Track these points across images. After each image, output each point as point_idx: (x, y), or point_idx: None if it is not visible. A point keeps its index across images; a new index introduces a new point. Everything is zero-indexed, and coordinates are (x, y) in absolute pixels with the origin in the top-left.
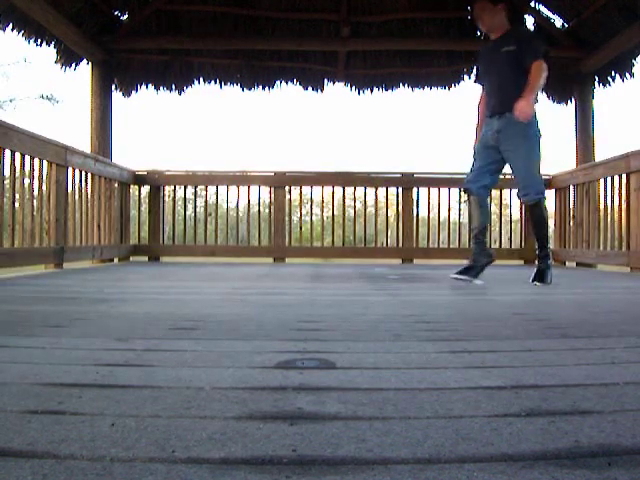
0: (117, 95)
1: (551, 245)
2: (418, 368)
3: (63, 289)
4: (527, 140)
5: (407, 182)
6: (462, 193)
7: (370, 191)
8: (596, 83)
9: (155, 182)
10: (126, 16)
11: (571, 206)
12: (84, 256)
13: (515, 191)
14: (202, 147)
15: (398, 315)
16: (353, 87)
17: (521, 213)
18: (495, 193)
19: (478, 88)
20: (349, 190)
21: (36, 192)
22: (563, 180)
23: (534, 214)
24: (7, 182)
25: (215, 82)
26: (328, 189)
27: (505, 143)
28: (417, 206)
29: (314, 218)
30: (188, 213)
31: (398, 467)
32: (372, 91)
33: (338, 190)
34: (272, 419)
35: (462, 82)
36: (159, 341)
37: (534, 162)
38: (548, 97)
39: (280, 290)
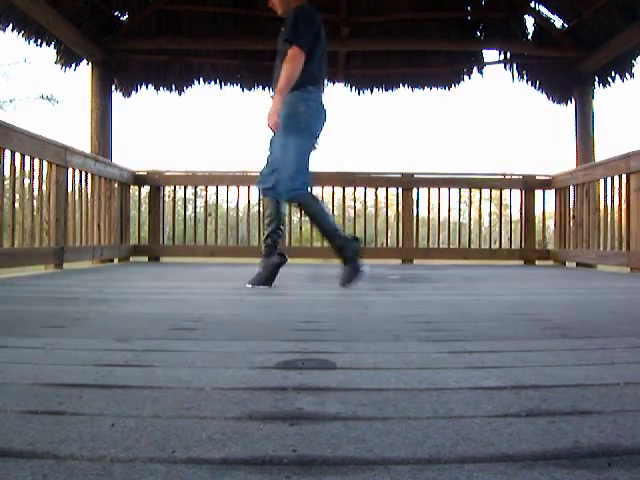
0: (117, 95)
1: (551, 245)
2: (418, 368)
3: (63, 289)
4: (284, 130)
5: (407, 182)
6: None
7: (370, 191)
8: (596, 83)
9: (155, 182)
10: (126, 16)
11: (571, 206)
12: (84, 256)
13: (515, 191)
14: (202, 147)
15: (398, 315)
16: (353, 87)
17: (521, 213)
18: (495, 193)
19: (478, 88)
20: (349, 190)
21: (36, 192)
22: (563, 180)
23: (303, 210)
24: (7, 182)
25: (215, 82)
26: (328, 189)
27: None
28: (417, 206)
29: None
30: (188, 213)
31: (398, 467)
32: (372, 91)
33: (338, 190)
34: (272, 419)
35: (462, 82)
36: (159, 341)
37: (297, 153)
38: (548, 97)
39: (280, 290)
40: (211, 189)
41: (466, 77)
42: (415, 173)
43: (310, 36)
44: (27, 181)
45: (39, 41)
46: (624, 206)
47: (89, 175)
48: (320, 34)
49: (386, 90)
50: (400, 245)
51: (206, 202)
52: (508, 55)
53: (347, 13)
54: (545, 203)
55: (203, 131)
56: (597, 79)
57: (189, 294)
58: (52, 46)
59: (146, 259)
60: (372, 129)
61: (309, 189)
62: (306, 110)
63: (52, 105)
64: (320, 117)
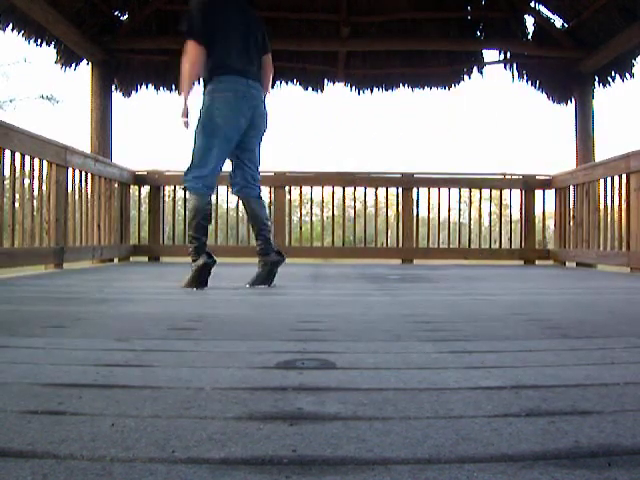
0: (117, 95)
1: (551, 245)
2: (418, 368)
3: (63, 289)
4: (197, 125)
5: (407, 182)
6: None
7: (370, 191)
8: (596, 83)
9: (155, 182)
10: (126, 16)
11: (571, 206)
12: (84, 256)
13: (515, 191)
14: None
15: (398, 315)
16: (353, 87)
17: (521, 213)
18: (495, 193)
19: (478, 88)
20: (349, 190)
21: (36, 192)
22: (563, 180)
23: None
24: (7, 182)
25: None
26: (328, 189)
27: None
28: (417, 206)
29: (314, 218)
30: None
31: (398, 467)
32: (372, 91)
33: (338, 190)
34: (272, 419)
35: (462, 82)
36: (159, 341)
37: (196, 147)
38: (548, 97)
39: (280, 290)
40: None
41: (466, 77)
42: (415, 173)
43: (199, 23)
44: (27, 181)
45: (39, 41)
46: (624, 206)
47: (89, 175)
48: (220, 17)
49: (386, 90)
50: (400, 245)
51: None
52: (508, 55)
53: (347, 13)
54: (545, 203)
55: None
56: (597, 79)
57: (189, 294)
58: (52, 46)
59: (146, 259)
60: (372, 129)
61: (206, 187)
62: (211, 104)
63: (52, 105)
64: (235, 108)
